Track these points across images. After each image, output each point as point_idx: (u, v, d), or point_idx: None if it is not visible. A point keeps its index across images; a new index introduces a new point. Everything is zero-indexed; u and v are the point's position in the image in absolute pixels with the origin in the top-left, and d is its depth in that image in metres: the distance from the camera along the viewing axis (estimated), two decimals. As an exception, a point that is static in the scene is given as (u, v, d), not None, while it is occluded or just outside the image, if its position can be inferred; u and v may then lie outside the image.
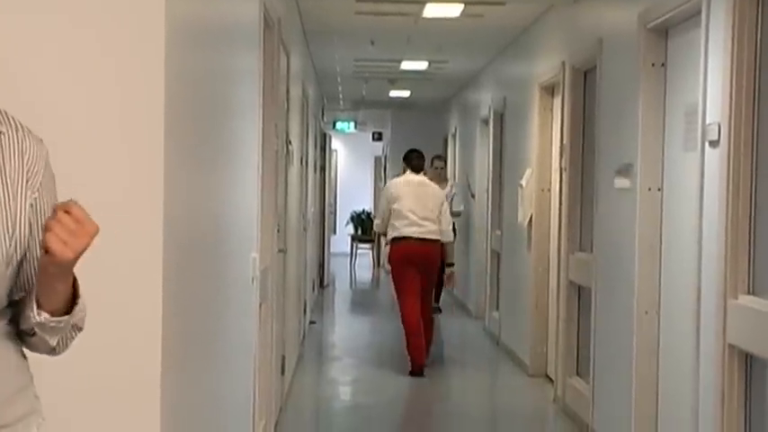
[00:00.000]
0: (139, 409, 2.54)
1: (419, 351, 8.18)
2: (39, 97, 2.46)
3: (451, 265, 8.84)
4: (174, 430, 2.74)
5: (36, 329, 1.75)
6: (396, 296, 8.47)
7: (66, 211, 1.62)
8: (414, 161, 8.58)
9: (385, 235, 8.51)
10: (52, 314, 1.73)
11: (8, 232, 1.73)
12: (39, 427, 1.84)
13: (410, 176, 8.53)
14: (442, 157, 12.41)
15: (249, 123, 4.49)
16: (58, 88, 2.51)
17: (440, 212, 8.30)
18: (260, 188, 4.87)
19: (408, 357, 8.23)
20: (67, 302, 1.75)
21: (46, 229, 1.62)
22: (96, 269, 2.44)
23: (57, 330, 1.77)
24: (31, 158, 1.79)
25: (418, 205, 8.26)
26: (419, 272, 8.20)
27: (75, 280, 1.75)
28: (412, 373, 8.15)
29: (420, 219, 8.22)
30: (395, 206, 8.30)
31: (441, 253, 8.40)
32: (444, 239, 8.37)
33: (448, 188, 11.35)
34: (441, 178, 11.28)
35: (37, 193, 1.78)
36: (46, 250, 1.63)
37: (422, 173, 8.63)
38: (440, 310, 11.85)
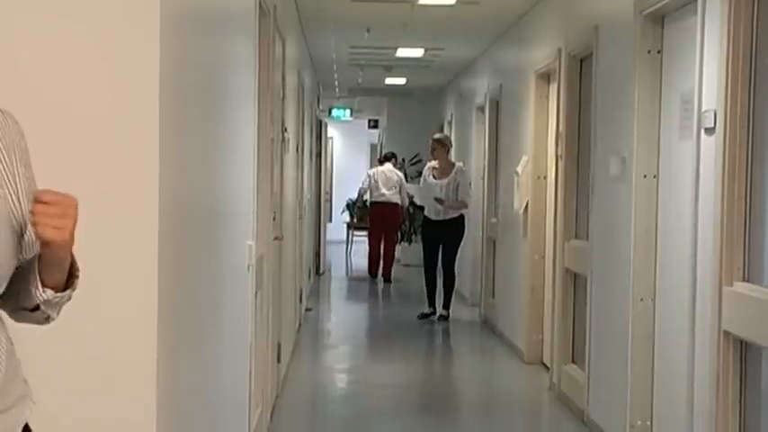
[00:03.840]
0: (135, 396, 2.54)
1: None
2: (31, 85, 2.46)
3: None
4: (170, 417, 2.75)
5: (42, 306, 1.79)
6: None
7: (41, 201, 1.66)
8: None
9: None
10: (55, 289, 1.78)
11: None
12: (31, 410, 1.86)
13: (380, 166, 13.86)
14: (435, 138, 10.82)
15: (245, 111, 4.48)
16: (52, 76, 2.50)
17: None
18: (256, 176, 4.86)
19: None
20: (66, 274, 1.80)
21: (32, 225, 1.67)
22: (91, 257, 2.44)
23: (60, 304, 1.83)
24: None
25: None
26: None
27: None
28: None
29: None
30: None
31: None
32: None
33: (449, 177, 10.30)
34: (441, 159, 10.44)
35: None
36: (43, 243, 1.68)
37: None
38: (446, 318, 10.54)
